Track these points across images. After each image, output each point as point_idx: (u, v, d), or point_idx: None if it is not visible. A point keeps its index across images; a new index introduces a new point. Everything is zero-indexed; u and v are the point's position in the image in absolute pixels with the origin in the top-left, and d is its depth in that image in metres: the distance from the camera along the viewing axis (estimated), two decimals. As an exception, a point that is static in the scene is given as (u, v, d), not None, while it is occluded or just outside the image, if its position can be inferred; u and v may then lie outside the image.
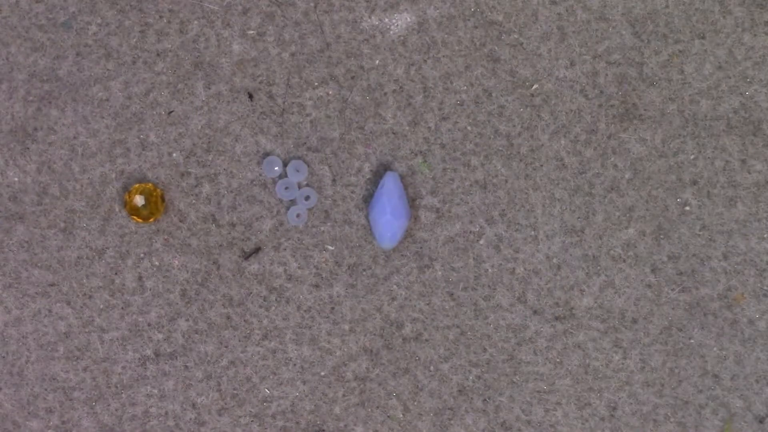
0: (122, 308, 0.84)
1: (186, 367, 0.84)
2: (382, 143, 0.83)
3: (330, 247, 0.84)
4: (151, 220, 0.82)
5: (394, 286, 0.84)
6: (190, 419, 0.84)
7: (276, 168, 0.83)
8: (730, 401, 0.83)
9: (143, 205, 0.81)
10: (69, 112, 0.83)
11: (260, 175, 0.84)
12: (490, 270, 0.83)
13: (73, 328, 0.84)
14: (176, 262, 0.84)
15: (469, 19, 0.83)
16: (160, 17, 0.84)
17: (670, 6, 0.83)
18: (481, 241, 0.83)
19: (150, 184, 0.82)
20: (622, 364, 0.83)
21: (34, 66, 0.83)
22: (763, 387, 0.83)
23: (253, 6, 0.84)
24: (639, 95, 0.83)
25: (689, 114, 0.83)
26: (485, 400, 0.83)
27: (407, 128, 0.83)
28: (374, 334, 0.84)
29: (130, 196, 0.81)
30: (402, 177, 0.83)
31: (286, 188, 0.83)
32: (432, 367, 0.84)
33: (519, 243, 0.83)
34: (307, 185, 0.84)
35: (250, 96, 0.84)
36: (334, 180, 0.84)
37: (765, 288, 0.83)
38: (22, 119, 0.83)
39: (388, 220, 0.80)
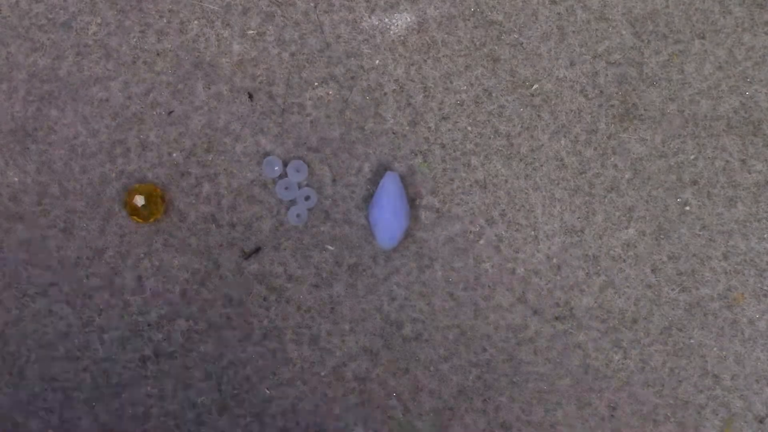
0: (122, 308, 0.84)
1: (186, 367, 0.84)
2: (382, 143, 0.83)
3: (330, 247, 0.84)
4: (151, 220, 0.82)
5: (394, 286, 0.83)
6: (190, 419, 0.84)
7: (276, 168, 0.83)
8: (730, 401, 0.83)
9: (143, 205, 0.81)
10: (69, 112, 0.83)
11: (260, 175, 0.84)
12: (490, 270, 0.83)
13: (73, 328, 0.84)
14: (176, 262, 0.84)
15: (469, 19, 0.83)
16: (160, 17, 0.84)
17: (670, 6, 0.83)
18: (481, 241, 0.83)
19: (150, 184, 0.82)
20: (622, 364, 0.83)
21: (34, 66, 0.83)
22: (763, 387, 0.83)
23: (253, 6, 0.84)
24: (639, 95, 0.83)
25: (689, 114, 0.83)
26: (485, 400, 0.83)
27: (407, 128, 0.83)
28: (374, 334, 0.84)
29: (130, 196, 0.81)
30: (402, 177, 0.83)
31: (286, 188, 0.83)
32: (432, 367, 0.84)
33: (519, 243, 0.83)
34: (307, 185, 0.84)
35: (250, 96, 0.84)
36: (334, 180, 0.84)
37: (765, 288, 0.83)
38: (22, 119, 0.83)
39: (388, 220, 0.80)
